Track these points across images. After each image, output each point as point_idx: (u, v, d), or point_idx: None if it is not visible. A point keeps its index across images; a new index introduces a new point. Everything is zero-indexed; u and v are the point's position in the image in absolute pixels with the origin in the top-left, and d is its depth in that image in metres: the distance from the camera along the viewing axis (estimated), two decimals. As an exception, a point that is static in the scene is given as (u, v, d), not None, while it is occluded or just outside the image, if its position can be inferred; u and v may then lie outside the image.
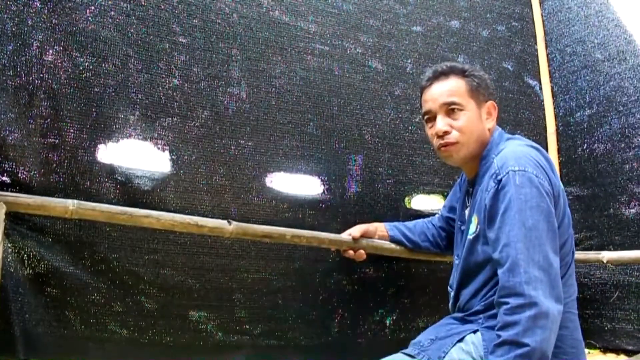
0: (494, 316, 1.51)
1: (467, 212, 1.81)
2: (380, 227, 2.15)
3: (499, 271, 1.47)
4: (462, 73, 1.73)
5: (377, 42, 2.66)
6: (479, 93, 1.72)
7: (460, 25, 2.92)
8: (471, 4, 2.99)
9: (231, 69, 2.28)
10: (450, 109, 1.69)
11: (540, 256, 1.42)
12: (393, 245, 2.14)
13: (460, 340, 1.60)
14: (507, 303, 1.41)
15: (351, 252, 2.08)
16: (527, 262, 1.41)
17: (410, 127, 2.65)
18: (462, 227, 1.83)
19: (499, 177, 1.53)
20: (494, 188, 1.53)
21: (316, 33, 2.50)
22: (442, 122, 1.70)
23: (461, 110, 1.69)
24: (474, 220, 1.68)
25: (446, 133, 1.69)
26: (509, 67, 3.05)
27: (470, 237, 1.69)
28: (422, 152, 2.64)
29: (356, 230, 2.07)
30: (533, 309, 1.37)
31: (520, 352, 1.35)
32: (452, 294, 1.83)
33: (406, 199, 2.59)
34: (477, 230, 1.65)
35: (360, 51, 2.61)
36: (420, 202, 2.69)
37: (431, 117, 1.75)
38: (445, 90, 1.71)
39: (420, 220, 2.23)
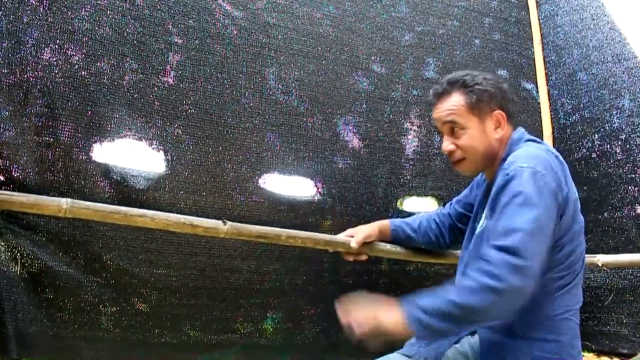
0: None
1: (483, 211, 1.80)
2: (382, 228, 2.06)
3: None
4: (462, 87, 1.70)
5: (373, 46, 2.66)
6: (480, 107, 1.68)
7: (456, 29, 2.93)
8: (468, 9, 3.00)
9: (226, 70, 2.28)
10: (452, 128, 1.69)
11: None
12: (394, 249, 2.09)
13: (456, 342, 1.60)
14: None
15: (350, 257, 2.04)
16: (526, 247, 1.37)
17: (403, 130, 2.65)
18: (475, 224, 1.82)
19: (506, 172, 1.53)
20: (501, 183, 1.53)
21: (310, 36, 2.51)
22: (446, 142, 1.70)
23: (462, 129, 1.67)
24: (484, 215, 1.68)
25: (451, 152, 1.70)
26: (506, 70, 3.05)
27: (477, 231, 1.70)
28: (415, 155, 2.65)
29: (359, 238, 1.96)
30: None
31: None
32: None
33: (399, 200, 2.59)
34: (484, 225, 1.65)
35: (355, 55, 2.61)
36: (412, 204, 2.69)
37: (441, 135, 1.76)
38: (445, 110, 1.69)
39: (424, 219, 2.15)
